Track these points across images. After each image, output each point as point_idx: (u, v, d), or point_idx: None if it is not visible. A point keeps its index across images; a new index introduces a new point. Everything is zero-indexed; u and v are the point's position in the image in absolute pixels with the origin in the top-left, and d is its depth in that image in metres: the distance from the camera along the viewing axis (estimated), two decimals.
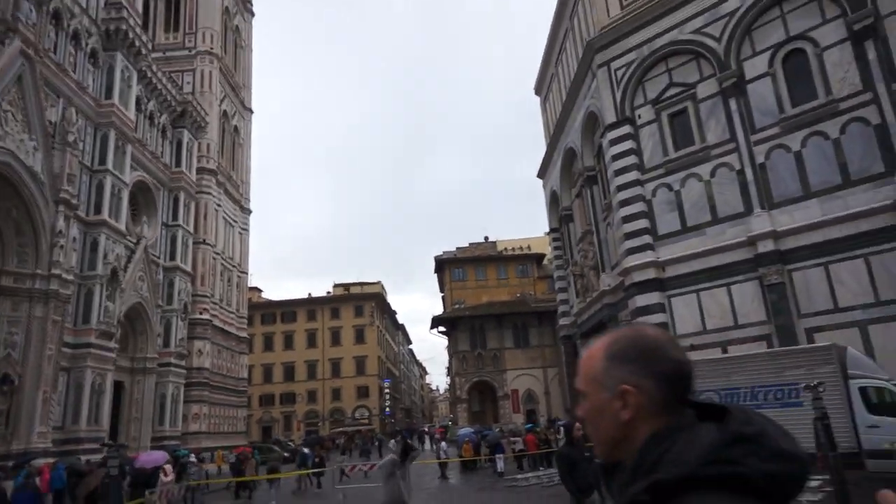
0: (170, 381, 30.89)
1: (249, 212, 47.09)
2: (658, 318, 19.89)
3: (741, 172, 18.97)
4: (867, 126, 16.83)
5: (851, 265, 16.56)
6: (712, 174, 19.77)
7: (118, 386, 27.51)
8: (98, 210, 25.56)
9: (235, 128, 45.58)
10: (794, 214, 17.74)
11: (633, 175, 21.40)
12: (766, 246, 17.93)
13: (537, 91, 35.66)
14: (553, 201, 33.08)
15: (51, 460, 18.49)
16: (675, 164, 20.62)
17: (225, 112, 43.20)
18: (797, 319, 17.23)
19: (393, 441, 8.18)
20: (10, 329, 21.19)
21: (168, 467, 15.54)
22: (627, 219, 21.25)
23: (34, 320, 21.54)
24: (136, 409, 28.78)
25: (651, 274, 20.24)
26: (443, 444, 26.50)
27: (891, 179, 16.09)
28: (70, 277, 23.12)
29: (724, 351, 18.04)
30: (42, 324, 21.66)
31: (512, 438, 25.25)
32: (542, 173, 34.86)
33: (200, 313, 35.99)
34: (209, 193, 38.17)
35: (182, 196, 33.68)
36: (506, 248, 62.00)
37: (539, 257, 58.32)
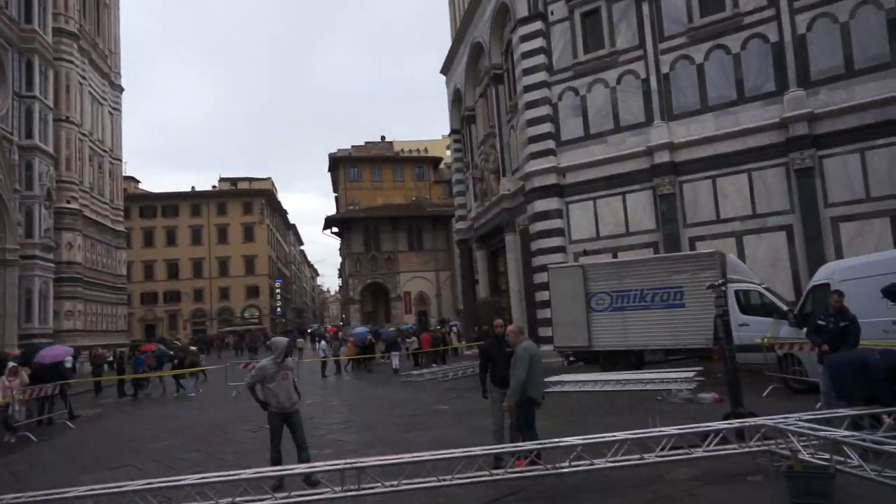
0: (36, 276, 27.75)
1: (121, 89, 41.71)
2: (555, 223, 20.23)
3: (646, 81, 19.02)
4: (766, 43, 17.20)
5: (736, 179, 17.42)
6: (618, 81, 19.67)
7: None
8: None
9: None
10: (690, 127, 18.19)
11: (541, 76, 20.86)
12: (662, 157, 18.39)
13: None
14: (456, 100, 32.05)
15: None
16: (583, 67, 20.26)
17: None
18: (682, 229, 18.12)
19: (274, 338, 7.50)
20: None
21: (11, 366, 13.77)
22: (532, 122, 20.90)
23: None
24: None
25: (552, 180, 20.30)
26: (322, 343, 26.37)
27: (779, 98, 16.74)
28: None
29: (615, 256, 18.76)
30: None
31: (407, 340, 25.53)
32: (445, 69, 33.43)
33: (68, 202, 32.19)
34: (70, 62, 32.96)
35: (37, 61, 28.75)
36: (403, 150, 60.73)
37: (436, 161, 57.76)
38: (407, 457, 4.83)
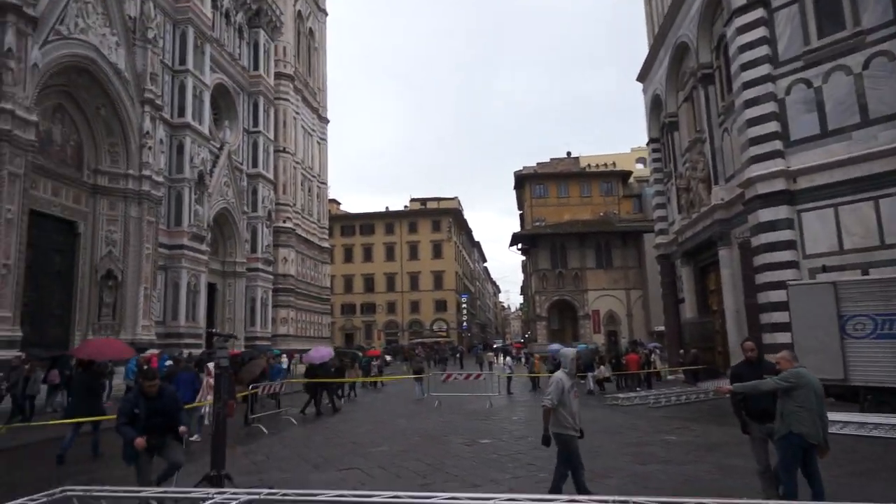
0: (258, 286, 31.74)
1: (327, 121, 46.27)
2: (784, 234, 17.66)
3: None
4: None
5: None
6: (865, 66, 16.63)
7: (212, 288, 28.45)
8: (182, 112, 25.26)
9: (310, 30, 44.00)
10: None
11: (763, 69, 18.49)
12: None
13: None
14: (655, 107, 30.07)
15: (156, 351, 19.61)
16: (817, 54, 17.54)
17: (300, 12, 41.59)
18: None
19: (563, 349, 6.73)
20: (109, 227, 21.80)
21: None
22: (753, 121, 18.57)
23: (130, 220, 22.08)
24: (230, 309, 29.95)
25: (780, 185, 17.77)
26: (508, 359, 26.19)
27: None
28: (160, 179, 23.27)
29: (864, 273, 15.74)
30: (138, 224, 22.16)
31: (601, 367, 24.01)
32: (642, 76, 31.59)
33: (284, 222, 36.32)
34: (287, 100, 37.40)
35: (262, 101, 33.06)
36: (588, 165, 59.00)
37: (625, 175, 55.16)
38: (691, 501, 3.95)
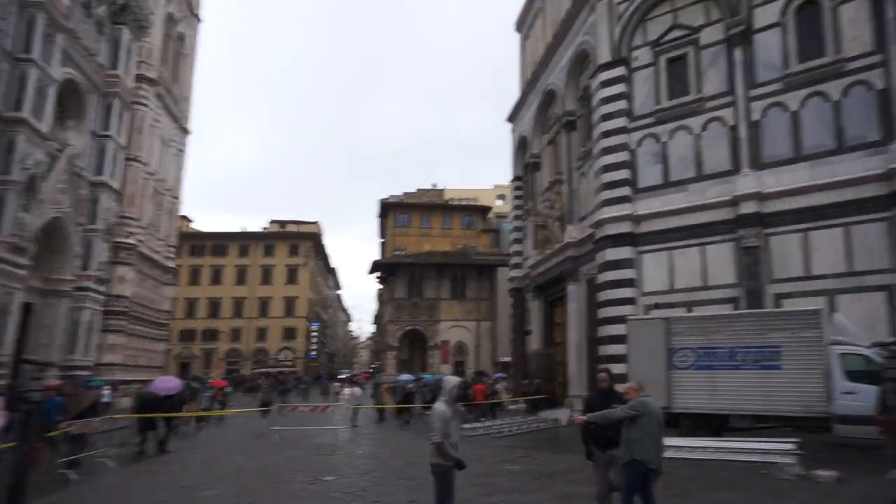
0: (86, 307, 27.34)
1: (188, 132, 42.99)
2: (627, 273, 19.07)
3: (734, 128, 18.07)
4: (870, 90, 16.12)
5: (830, 233, 16.07)
6: (703, 128, 18.79)
7: (27, 308, 24.12)
8: (18, 106, 21.68)
9: (181, 35, 40.93)
10: (781, 177, 17.02)
11: (620, 121, 20.16)
12: (748, 207, 17.19)
13: (518, 27, 33.68)
14: (521, 147, 31.65)
15: None
16: (666, 113, 19.51)
17: (171, 15, 38.50)
18: (767, 284, 16.70)
19: (446, 377, 6.37)
20: None
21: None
22: (608, 168, 20.08)
23: None
24: (46, 334, 25.20)
25: (626, 227, 19.26)
26: (356, 389, 25.21)
27: (885, 148, 15.49)
28: None
29: (690, 311, 17.35)
30: None
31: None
32: (512, 117, 33.22)
33: (126, 237, 32.39)
34: (145, 105, 34.00)
35: (116, 103, 29.49)
36: (452, 198, 60.57)
37: (485, 210, 57.42)
38: None
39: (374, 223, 66.95)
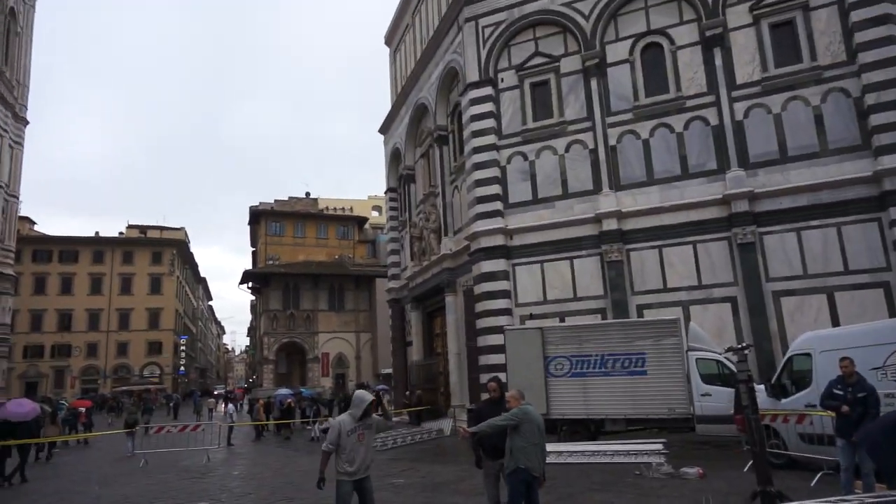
0: None
1: (26, 122, 38.33)
2: (501, 284, 19.88)
3: (594, 151, 19.52)
4: (707, 125, 18.23)
5: (681, 250, 17.90)
6: (567, 149, 20.09)
7: None
8: None
9: (12, 10, 36.44)
10: (637, 198, 18.70)
11: (490, 139, 20.98)
12: (610, 224, 18.67)
13: (388, 42, 33.84)
14: (394, 159, 31.81)
15: None
16: (532, 133, 20.61)
17: None
18: (630, 296, 18.26)
19: (357, 391, 6.32)
20: None
21: None
22: (480, 182, 20.82)
23: None
24: None
25: (499, 240, 20.09)
26: (231, 406, 24.56)
27: (721, 176, 17.61)
28: None
29: (562, 321, 18.46)
30: None
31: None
32: (384, 129, 33.29)
33: None
34: None
35: None
36: (327, 207, 59.51)
37: (361, 220, 57.00)
38: None
39: (245, 232, 63.76)
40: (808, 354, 9.75)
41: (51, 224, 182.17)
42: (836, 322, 15.21)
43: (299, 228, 53.24)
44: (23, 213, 45.33)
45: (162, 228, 63.88)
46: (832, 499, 5.45)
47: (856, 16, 16.61)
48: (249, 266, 56.94)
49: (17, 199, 37.97)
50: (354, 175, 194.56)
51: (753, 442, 6.95)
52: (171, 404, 37.88)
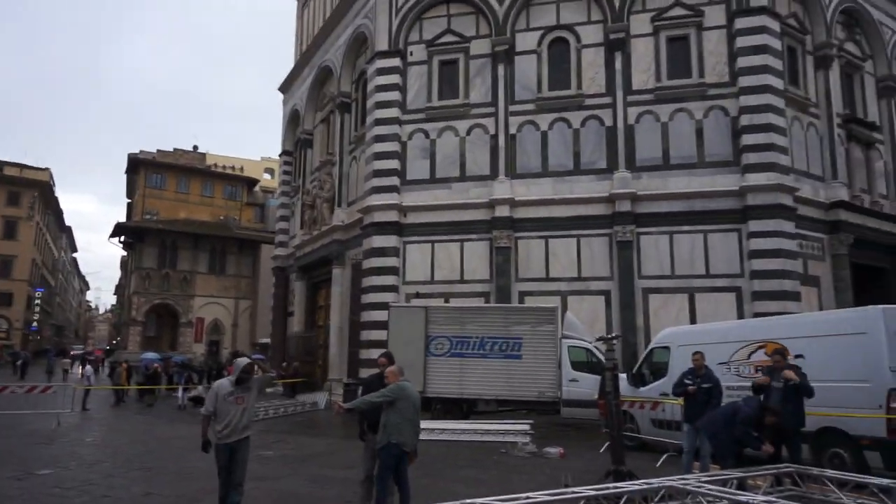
0: None
1: None
2: (391, 261, 19.72)
3: (494, 137, 19.70)
4: (602, 125, 18.98)
5: (565, 242, 18.59)
6: (468, 132, 20.15)
7: None
8: None
9: None
10: (530, 188, 19.16)
11: (393, 112, 20.60)
12: (502, 211, 18.98)
13: None
14: (292, 121, 30.50)
15: None
16: (436, 112, 20.47)
17: None
18: (514, 282, 18.74)
19: (238, 359, 5.93)
20: None
21: None
22: (379, 156, 20.43)
23: None
24: None
25: (394, 216, 19.86)
26: (87, 368, 22.60)
27: (609, 176, 18.45)
28: None
29: (447, 301, 18.68)
30: None
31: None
32: (285, 88, 31.77)
33: None
34: None
35: None
36: (215, 164, 56.11)
37: (251, 182, 54.36)
38: None
39: (122, 181, 58.68)
40: (667, 347, 10.48)
41: None
42: (694, 320, 16.52)
43: (183, 183, 49.78)
44: None
45: (22, 167, 57.10)
46: (674, 477, 5.86)
47: (740, 42, 17.96)
48: (123, 219, 52.60)
49: None
50: (249, 134, 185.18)
51: (612, 425, 7.32)
52: (18, 363, 34.34)
